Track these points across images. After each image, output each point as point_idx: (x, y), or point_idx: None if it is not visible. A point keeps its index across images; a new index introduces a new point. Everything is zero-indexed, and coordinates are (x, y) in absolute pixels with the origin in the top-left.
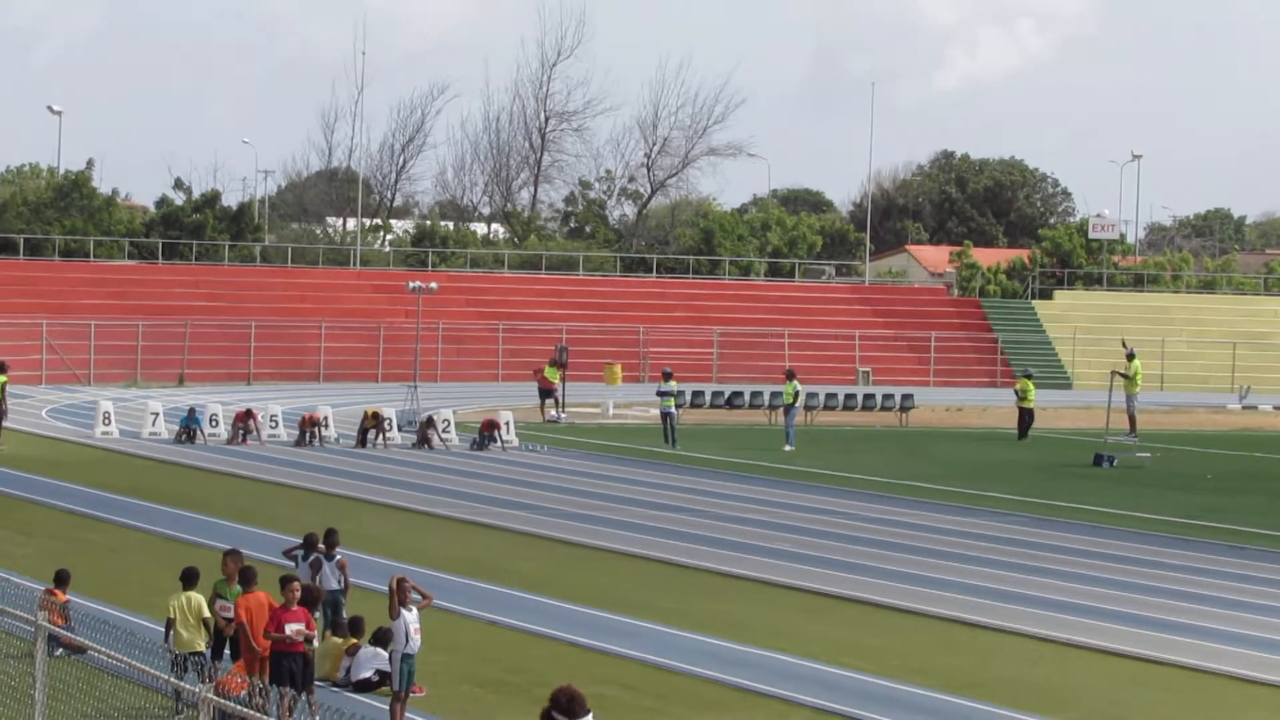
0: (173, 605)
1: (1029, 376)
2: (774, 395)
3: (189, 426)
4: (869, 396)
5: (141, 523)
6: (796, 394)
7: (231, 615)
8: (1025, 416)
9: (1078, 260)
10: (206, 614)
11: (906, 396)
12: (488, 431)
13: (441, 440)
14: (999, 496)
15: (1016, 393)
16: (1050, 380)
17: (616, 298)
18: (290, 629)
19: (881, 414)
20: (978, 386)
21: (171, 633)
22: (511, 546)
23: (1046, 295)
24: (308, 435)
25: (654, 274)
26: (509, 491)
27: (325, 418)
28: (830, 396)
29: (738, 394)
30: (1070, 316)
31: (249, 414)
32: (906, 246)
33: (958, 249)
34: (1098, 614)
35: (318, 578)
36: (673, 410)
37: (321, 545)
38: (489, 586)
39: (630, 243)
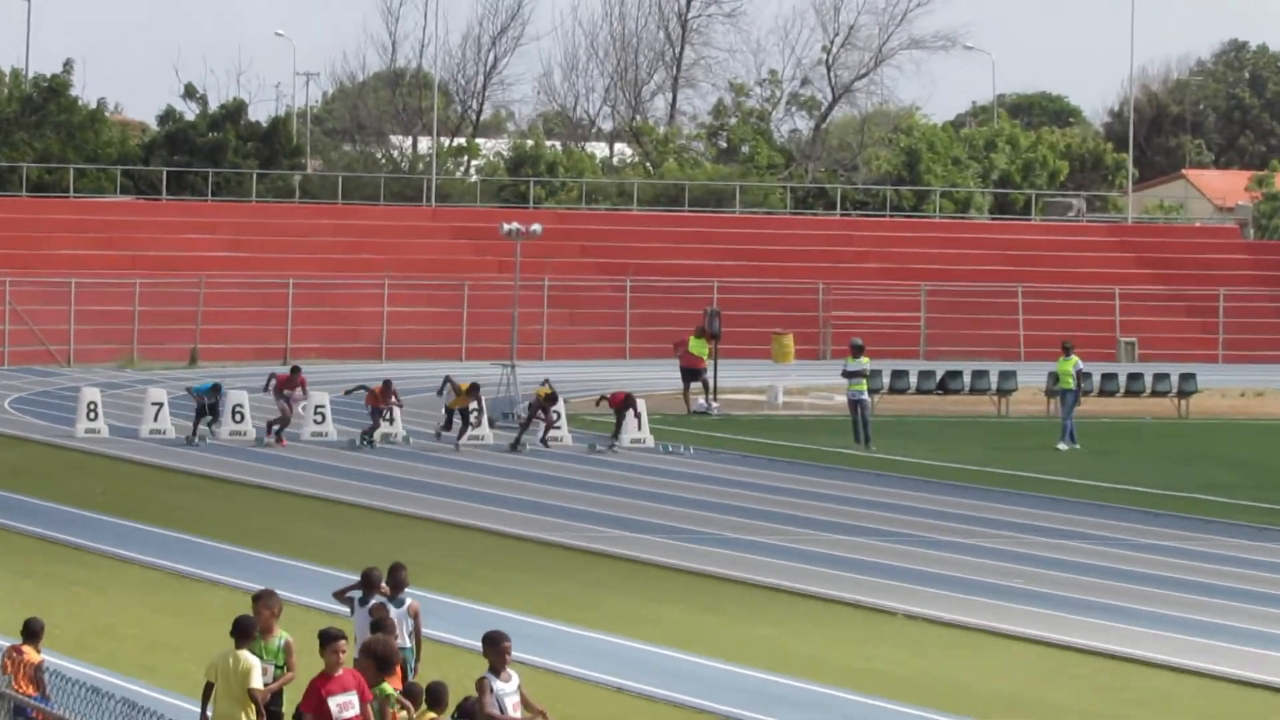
0: (214, 667)
1: None
2: (1003, 376)
3: (203, 397)
4: (1134, 377)
5: (139, 553)
6: (1079, 374)
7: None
8: None
9: None
10: (256, 682)
11: (1186, 377)
12: (619, 406)
13: (546, 438)
14: None
15: None
16: None
17: (786, 244)
18: (337, 703)
19: (1152, 400)
20: None
21: (209, 705)
22: (643, 584)
23: None
24: (383, 419)
25: (837, 211)
26: (636, 509)
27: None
28: (1082, 377)
29: (953, 374)
30: None
31: (387, 387)
32: (1184, 172)
33: (1256, 174)
34: None
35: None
36: (865, 397)
37: (385, 585)
38: (613, 640)
39: (804, 169)
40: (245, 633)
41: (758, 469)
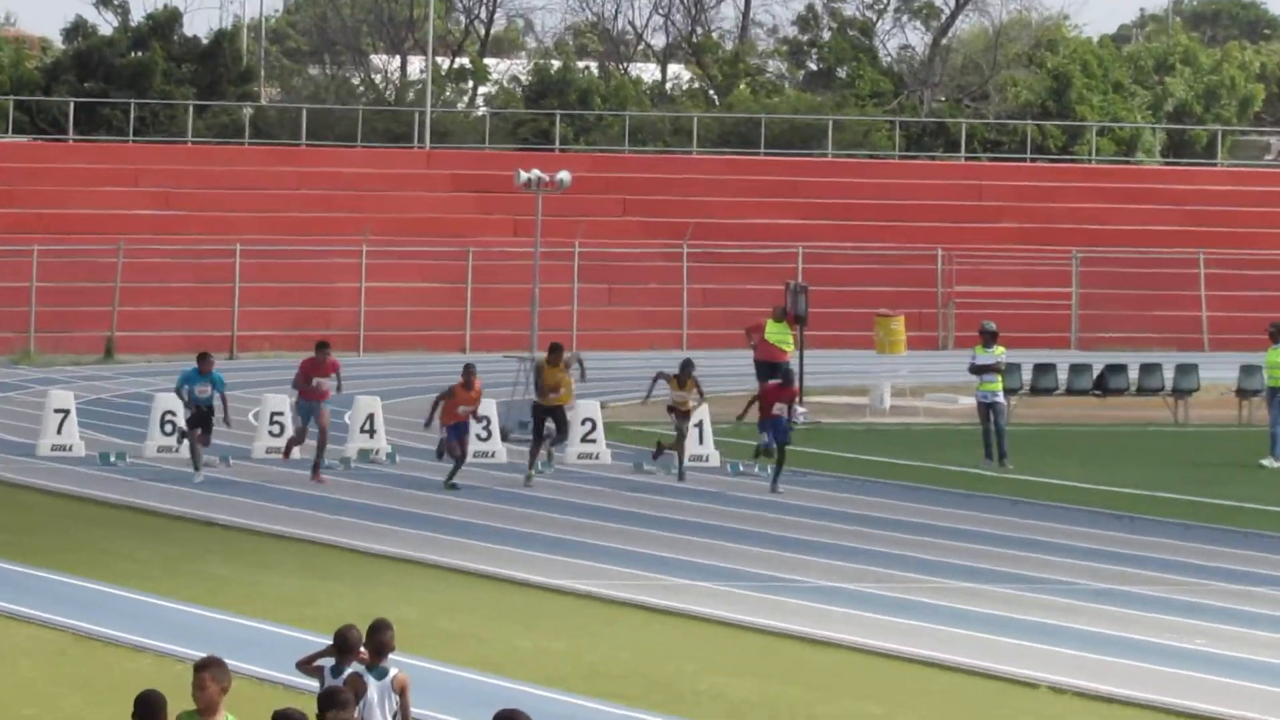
0: None
1: None
2: (1180, 371)
3: (198, 404)
4: None
5: (39, 610)
6: None
7: None
8: None
9: None
10: None
11: None
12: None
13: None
14: None
15: None
16: None
17: (894, 197)
18: None
19: None
20: None
21: None
22: (707, 644)
23: None
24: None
25: (962, 154)
26: (700, 549)
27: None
28: None
29: (1115, 369)
30: None
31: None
32: None
33: None
34: None
35: (361, 707)
36: (1000, 399)
37: (364, 649)
38: None
39: (919, 98)
40: (151, 712)
41: (858, 494)
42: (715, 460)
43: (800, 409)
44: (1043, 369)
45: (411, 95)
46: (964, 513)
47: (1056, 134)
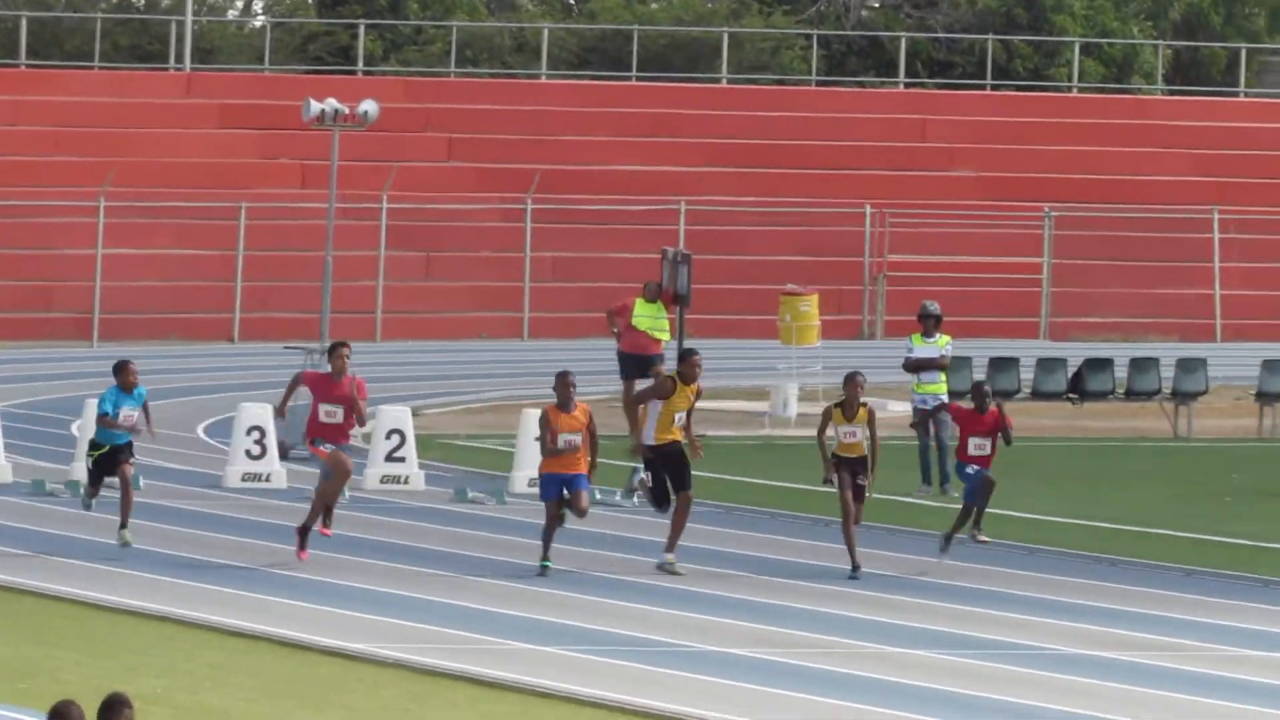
0: None
1: None
2: (1183, 368)
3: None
4: None
5: None
6: None
7: None
8: None
9: None
10: None
11: None
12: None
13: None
14: None
15: None
16: None
17: (810, 136)
18: None
19: None
20: None
21: None
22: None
23: None
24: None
25: (900, 80)
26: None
27: None
28: None
29: (1097, 364)
30: None
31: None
32: None
33: None
34: None
35: None
36: (944, 403)
37: None
38: None
39: (847, 5)
40: None
41: (750, 532)
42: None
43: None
44: (1002, 364)
45: (166, 0)
46: (894, 555)
47: (1028, 53)
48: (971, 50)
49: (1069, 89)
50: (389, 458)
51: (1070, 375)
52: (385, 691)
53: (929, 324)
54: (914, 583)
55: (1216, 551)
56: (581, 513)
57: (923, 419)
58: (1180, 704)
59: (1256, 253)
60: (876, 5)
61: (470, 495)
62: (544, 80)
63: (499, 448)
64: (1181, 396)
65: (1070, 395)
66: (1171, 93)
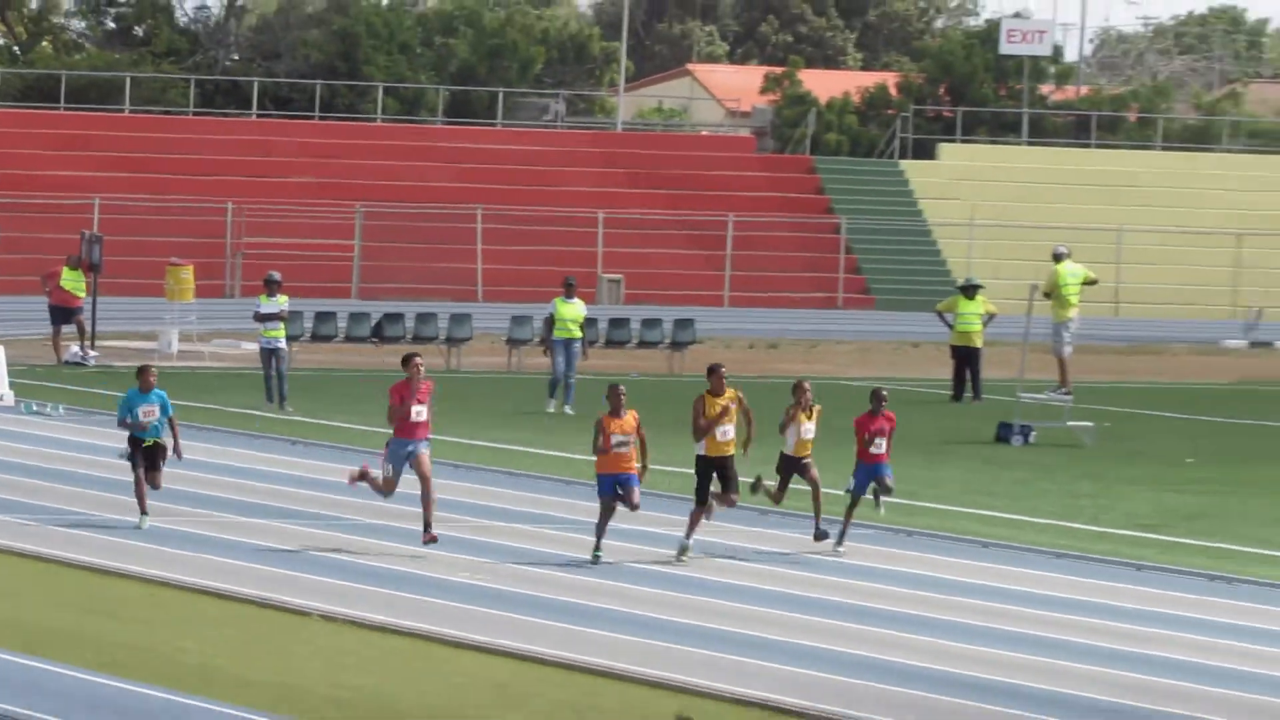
0: None
1: (970, 289)
2: (455, 321)
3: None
4: (618, 324)
5: None
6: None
7: None
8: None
9: (980, 92)
10: None
11: (682, 324)
12: None
13: None
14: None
15: (943, 317)
16: (929, 294)
17: (188, 151)
18: None
19: (641, 353)
20: (806, 307)
21: None
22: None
23: (925, 152)
24: None
25: (254, 111)
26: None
27: None
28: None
29: (393, 318)
30: (964, 188)
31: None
32: (690, 66)
33: (776, 71)
34: None
35: None
36: (282, 344)
37: None
38: None
39: (216, 57)
40: None
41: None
42: (9, 400)
43: (93, 352)
44: (324, 317)
45: None
46: (244, 451)
47: (345, 93)
48: (306, 91)
49: (374, 120)
50: None
51: (373, 325)
52: None
53: (271, 288)
54: (252, 471)
55: (481, 452)
56: (634, 507)
57: (266, 356)
58: (458, 562)
59: (506, 239)
60: (236, 58)
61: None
62: None
63: None
64: (453, 341)
65: (373, 339)
66: (448, 123)
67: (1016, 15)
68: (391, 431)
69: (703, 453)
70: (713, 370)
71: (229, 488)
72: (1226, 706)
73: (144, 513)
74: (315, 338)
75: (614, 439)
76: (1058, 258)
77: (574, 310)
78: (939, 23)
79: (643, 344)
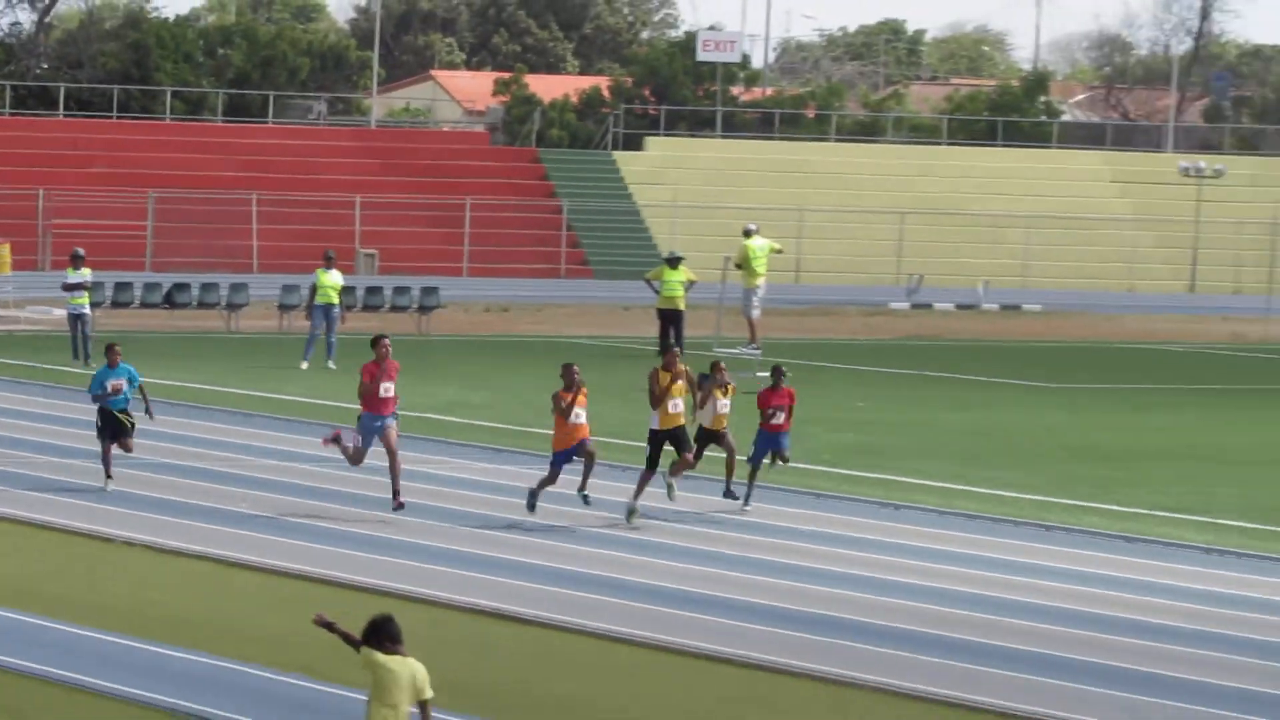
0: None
1: (673, 260)
2: (233, 289)
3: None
4: (374, 291)
5: None
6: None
7: None
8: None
9: (680, 93)
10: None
11: (428, 291)
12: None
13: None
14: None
15: (651, 284)
16: (639, 265)
17: (6, 146)
18: None
19: (392, 316)
20: (534, 277)
21: None
22: None
23: (634, 144)
24: None
25: (60, 111)
26: None
27: None
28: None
29: (181, 287)
30: (668, 175)
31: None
32: (433, 73)
33: (506, 76)
34: None
35: None
36: (86, 311)
37: None
38: None
39: (28, 66)
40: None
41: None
42: None
43: None
44: (122, 286)
45: None
46: (55, 401)
47: (138, 96)
48: (105, 93)
49: (164, 119)
50: None
51: (165, 293)
52: None
53: (77, 262)
54: (59, 418)
55: (257, 401)
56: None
57: (72, 321)
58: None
59: (277, 219)
60: (46, 66)
61: None
62: None
63: None
64: (232, 306)
65: (165, 305)
66: (228, 122)
67: (711, 28)
68: (360, 406)
69: (656, 426)
70: (667, 350)
71: (40, 433)
72: (908, 615)
73: (109, 476)
74: (115, 304)
75: (573, 411)
76: (748, 234)
77: (334, 279)
78: (645, 34)
79: (394, 308)
